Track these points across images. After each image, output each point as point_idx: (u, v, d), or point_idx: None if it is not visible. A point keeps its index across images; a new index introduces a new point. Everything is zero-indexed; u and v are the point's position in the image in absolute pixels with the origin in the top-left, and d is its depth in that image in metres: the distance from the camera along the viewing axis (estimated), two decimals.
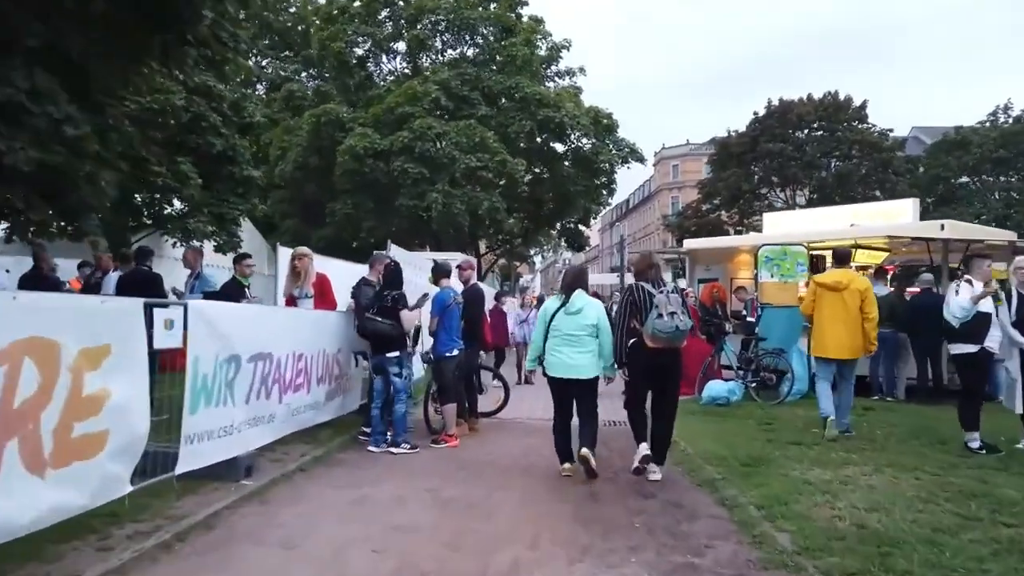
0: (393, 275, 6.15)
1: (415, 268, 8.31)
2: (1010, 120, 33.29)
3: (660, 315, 4.76)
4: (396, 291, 6.04)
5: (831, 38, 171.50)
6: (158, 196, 11.60)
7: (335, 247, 16.16)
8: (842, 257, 6.93)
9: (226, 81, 12.59)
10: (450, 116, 18.40)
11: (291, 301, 6.95)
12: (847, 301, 6.29)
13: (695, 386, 9.36)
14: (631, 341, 5.01)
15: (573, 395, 5.18)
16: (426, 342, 6.88)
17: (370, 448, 5.99)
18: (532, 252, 43.20)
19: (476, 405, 7.35)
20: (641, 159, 21.42)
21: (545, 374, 5.27)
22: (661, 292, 4.86)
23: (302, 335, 5.64)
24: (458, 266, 7.29)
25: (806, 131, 34.97)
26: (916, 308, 8.93)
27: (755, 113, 35.99)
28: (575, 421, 5.25)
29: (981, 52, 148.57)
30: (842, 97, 34.60)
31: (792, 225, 13.24)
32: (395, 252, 8.00)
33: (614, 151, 20.81)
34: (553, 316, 5.18)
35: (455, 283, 7.06)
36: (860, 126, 34.30)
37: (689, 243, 13.41)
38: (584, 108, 20.32)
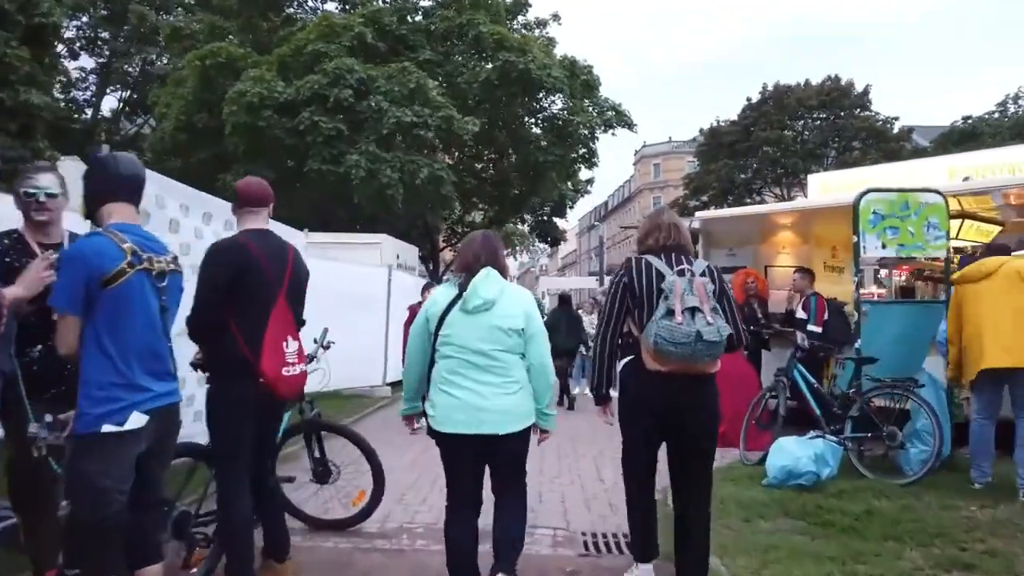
0: None
1: (179, 205, 4.02)
2: (1021, 110, 30.92)
3: (670, 312, 2.49)
4: None
5: (816, 34, 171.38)
6: None
7: None
8: (1000, 249, 4.90)
9: None
10: (382, 60, 14.10)
11: None
12: (1003, 288, 4.41)
13: (741, 441, 5.47)
14: (625, 360, 2.75)
15: (484, 467, 2.60)
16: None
17: None
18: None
19: (282, 526, 3.09)
20: (629, 124, 17.09)
21: (431, 430, 2.58)
22: (681, 273, 2.57)
23: None
24: (239, 193, 3.01)
25: (804, 120, 32.02)
26: None
27: (748, 99, 32.85)
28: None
29: (971, 48, 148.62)
30: (843, 82, 31.64)
31: (854, 187, 9.24)
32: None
33: (595, 113, 16.62)
34: (442, 320, 2.52)
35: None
36: (862, 113, 31.48)
37: (703, 215, 9.09)
38: (557, 59, 16.09)
